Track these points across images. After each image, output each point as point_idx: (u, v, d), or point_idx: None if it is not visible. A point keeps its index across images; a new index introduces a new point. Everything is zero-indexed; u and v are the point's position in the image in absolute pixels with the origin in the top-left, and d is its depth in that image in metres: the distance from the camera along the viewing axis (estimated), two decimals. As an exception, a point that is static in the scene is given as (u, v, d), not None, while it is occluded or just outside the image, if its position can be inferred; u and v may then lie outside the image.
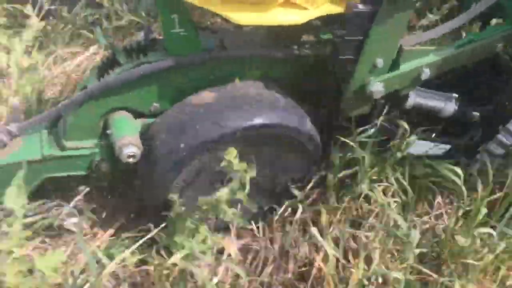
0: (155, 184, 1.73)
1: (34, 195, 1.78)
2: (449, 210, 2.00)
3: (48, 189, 1.83)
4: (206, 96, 1.74)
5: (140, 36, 1.77)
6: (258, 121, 1.68)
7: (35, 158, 1.73)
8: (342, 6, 1.62)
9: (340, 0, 1.63)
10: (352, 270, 1.68)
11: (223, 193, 1.58)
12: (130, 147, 1.69)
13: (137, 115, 1.80)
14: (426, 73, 1.78)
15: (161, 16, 1.62)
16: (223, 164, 1.54)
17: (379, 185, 1.87)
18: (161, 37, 1.82)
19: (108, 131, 1.73)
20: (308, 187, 1.89)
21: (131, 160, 1.71)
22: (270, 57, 1.80)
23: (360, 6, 1.58)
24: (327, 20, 1.72)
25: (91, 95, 1.69)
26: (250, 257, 1.83)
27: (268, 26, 1.63)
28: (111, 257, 1.64)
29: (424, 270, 1.72)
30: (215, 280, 1.57)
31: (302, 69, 1.87)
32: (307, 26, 1.69)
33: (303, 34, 1.87)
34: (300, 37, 1.87)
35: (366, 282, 1.64)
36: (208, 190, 1.74)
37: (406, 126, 1.85)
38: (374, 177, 1.89)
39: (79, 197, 1.81)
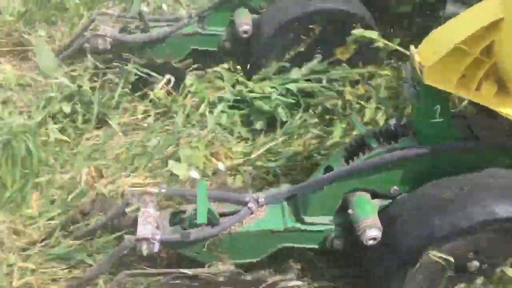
0: (389, 267, 1.72)
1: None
2: None
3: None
4: (450, 184, 1.70)
5: (391, 121, 1.82)
6: (505, 214, 1.58)
7: (277, 228, 1.84)
8: None
9: None
10: None
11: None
12: (373, 230, 1.71)
13: (374, 195, 1.83)
14: None
15: (420, 105, 1.65)
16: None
17: None
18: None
19: (349, 211, 1.77)
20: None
21: (371, 242, 1.72)
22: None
23: None
24: None
25: (339, 177, 1.76)
26: None
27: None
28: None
29: None
30: None
31: None
32: None
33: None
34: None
35: None
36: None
37: None
38: None
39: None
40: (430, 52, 1.54)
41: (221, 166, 1.98)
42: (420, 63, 1.56)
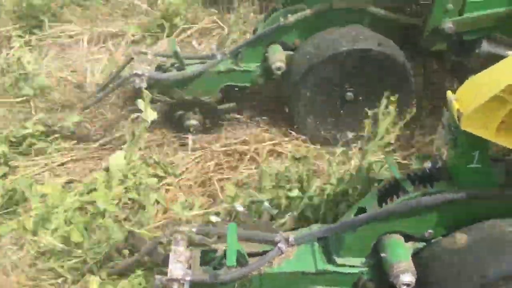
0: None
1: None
2: None
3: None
4: (488, 230, 1.66)
5: (427, 164, 1.80)
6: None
7: (308, 270, 1.82)
8: None
9: None
10: None
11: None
12: (407, 275, 1.68)
13: (408, 238, 1.80)
14: None
15: (458, 151, 1.63)
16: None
17: None
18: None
19: (382, 254, 1.75)
20: None
21: (405, 287, 1.68)
22: None
23: None
24: None
25: (372, 219, 1.75)
26: None
27: None
28: None
29: None
30: None
31: None
32: None
33: None
34: None
35: None
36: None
37: None
38: None
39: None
40: (468, 99, 1.53)
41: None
42: (458, 109, 1.55)
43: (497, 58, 2.71)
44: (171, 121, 3.02)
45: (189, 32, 3.85)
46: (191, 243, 1.88)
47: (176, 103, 2.95)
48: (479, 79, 1.59)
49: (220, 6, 4.06)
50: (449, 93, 1.62)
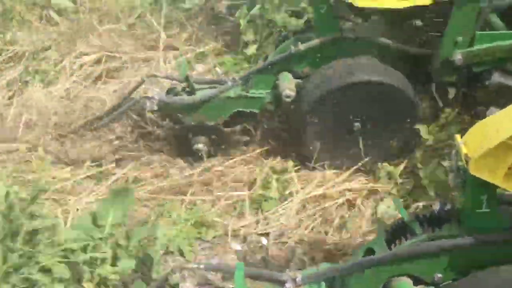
0: None
1: None
2: None
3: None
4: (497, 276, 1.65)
5: (436, 206, 1.79)
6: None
7: None
8: None
9: None
10: None
11: None
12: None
13: (417, 281, 1.78)
14: None
15: (466, 195, 1.63)
16: None
17: None
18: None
19: None
20: None
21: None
22: None
23: None
24: None
25: (381, 261, 1.73)
26: None
27: None
28: None
29: None
30: None
31: None
32: None
33: None
34: None
35: None
36: None
37: None
38: None
39: None
40: (476, 143, 1.52)
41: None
42: (466, 154, 1.54)
43: (508, 89, 2.75)
44: (180, 145, 3.06)
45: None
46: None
47: (183, 127, 2.98)
48: (487, 124, 1.58)
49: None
50: (457, 136, 1.61)
